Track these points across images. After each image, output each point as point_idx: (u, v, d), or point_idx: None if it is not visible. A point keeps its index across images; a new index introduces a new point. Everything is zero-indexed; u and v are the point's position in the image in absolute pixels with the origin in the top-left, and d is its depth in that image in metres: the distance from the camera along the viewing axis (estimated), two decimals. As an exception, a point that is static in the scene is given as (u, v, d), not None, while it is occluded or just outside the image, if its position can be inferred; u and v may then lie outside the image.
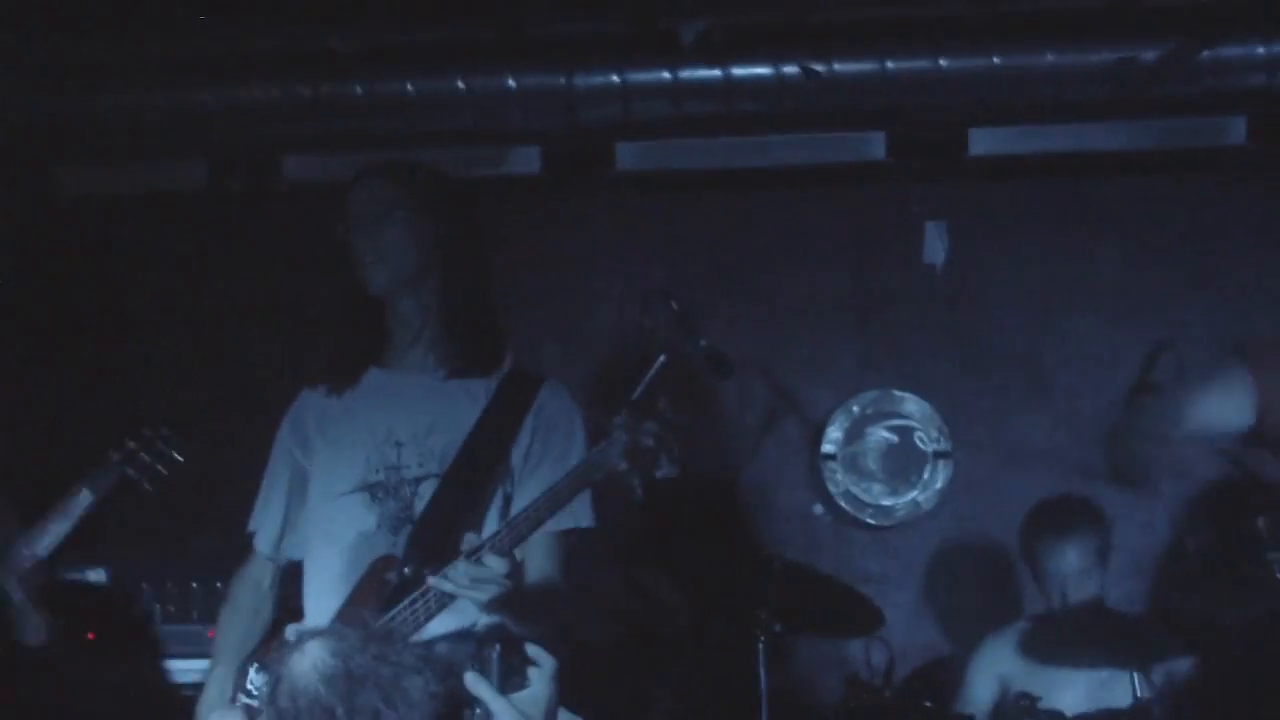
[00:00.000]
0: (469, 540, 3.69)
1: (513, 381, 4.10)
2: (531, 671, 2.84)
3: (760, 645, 5.20)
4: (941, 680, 5.98)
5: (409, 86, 5.59)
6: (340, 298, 4.09)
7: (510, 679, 2.79)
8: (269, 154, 6.09)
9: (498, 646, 2.79)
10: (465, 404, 4.04)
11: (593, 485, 3.87)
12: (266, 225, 6.38)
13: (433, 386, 4.05)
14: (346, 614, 3.87)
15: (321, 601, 3.97)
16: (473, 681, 2.75)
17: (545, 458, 4.03)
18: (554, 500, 3.77)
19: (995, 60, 5.48)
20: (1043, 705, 5.25)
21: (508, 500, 4.02)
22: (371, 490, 4.00)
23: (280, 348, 6.22)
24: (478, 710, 2.73)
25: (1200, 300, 6.31)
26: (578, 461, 3.90)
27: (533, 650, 2.88)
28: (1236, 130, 5.86)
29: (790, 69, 5.50)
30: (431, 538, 3.89)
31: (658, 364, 3.96)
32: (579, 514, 3.99)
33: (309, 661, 2.61)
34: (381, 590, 3.87)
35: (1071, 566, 5.55)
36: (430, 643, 3.71)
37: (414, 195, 4.05)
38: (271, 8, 5.46)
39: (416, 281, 4.05)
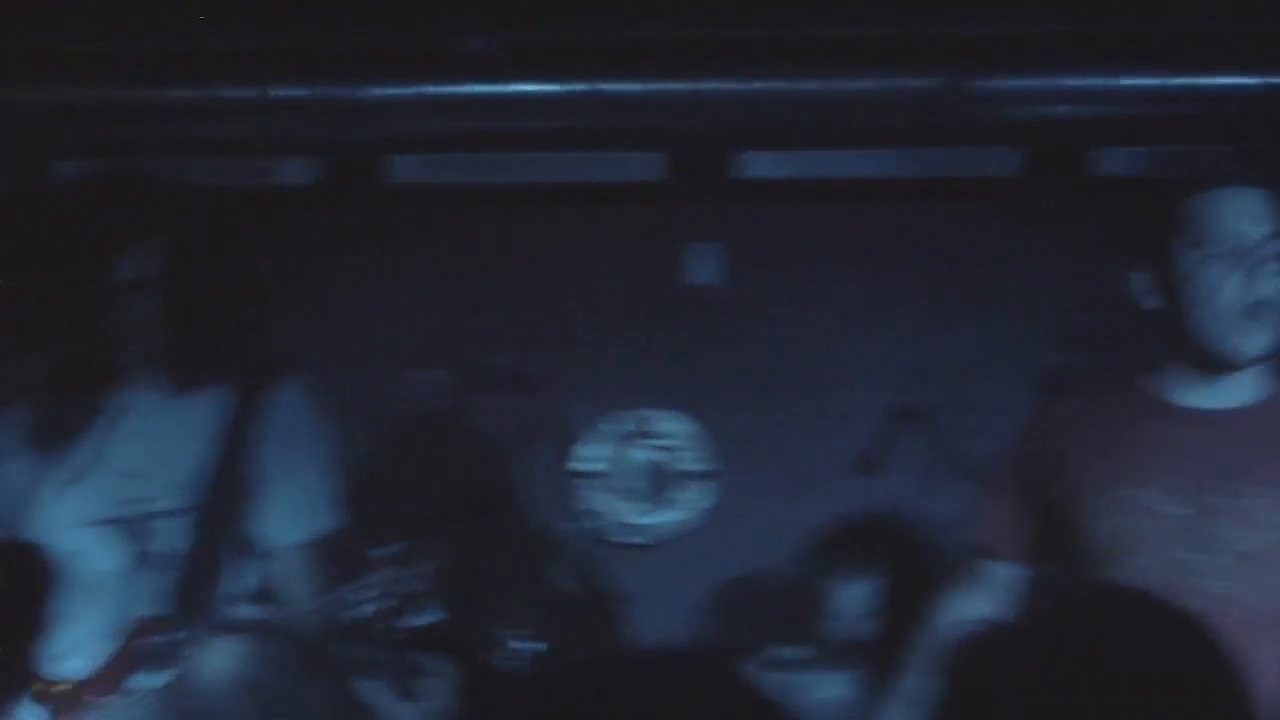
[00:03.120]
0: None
1: (249, 390, 3.83)
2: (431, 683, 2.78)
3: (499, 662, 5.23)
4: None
5: (168, 94, 5.51)
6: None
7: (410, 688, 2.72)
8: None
9: (399, 654, 2.72)
10: (199, 422, 3.78)
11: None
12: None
13: (162, 404, 3.78)
14: (100, 682, 3.66)
15: (72, 659, 3.73)
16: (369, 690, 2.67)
17: (284, 468, 3.79)
18: None
19: (770, 84, 5.54)
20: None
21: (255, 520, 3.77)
22: (108, 527, 3.74)
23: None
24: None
25: (968, 329, 6.41)
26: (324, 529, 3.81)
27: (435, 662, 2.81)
28: (1009, 161, 6.00)
29: (571, 86, 5.52)
30: (190, 586, 3.65)
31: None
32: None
33: (220, 664, 2.52)
34: (145, 657, 3.59)
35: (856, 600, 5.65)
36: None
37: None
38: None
39: (137, 292, 3.76)
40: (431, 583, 3.47)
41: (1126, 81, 5.41)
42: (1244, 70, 5.38)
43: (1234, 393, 3.57)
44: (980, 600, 3.69)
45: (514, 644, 5.28)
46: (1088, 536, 3.56)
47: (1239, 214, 3.49)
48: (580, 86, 5.47)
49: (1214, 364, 3.54)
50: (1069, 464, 3.62)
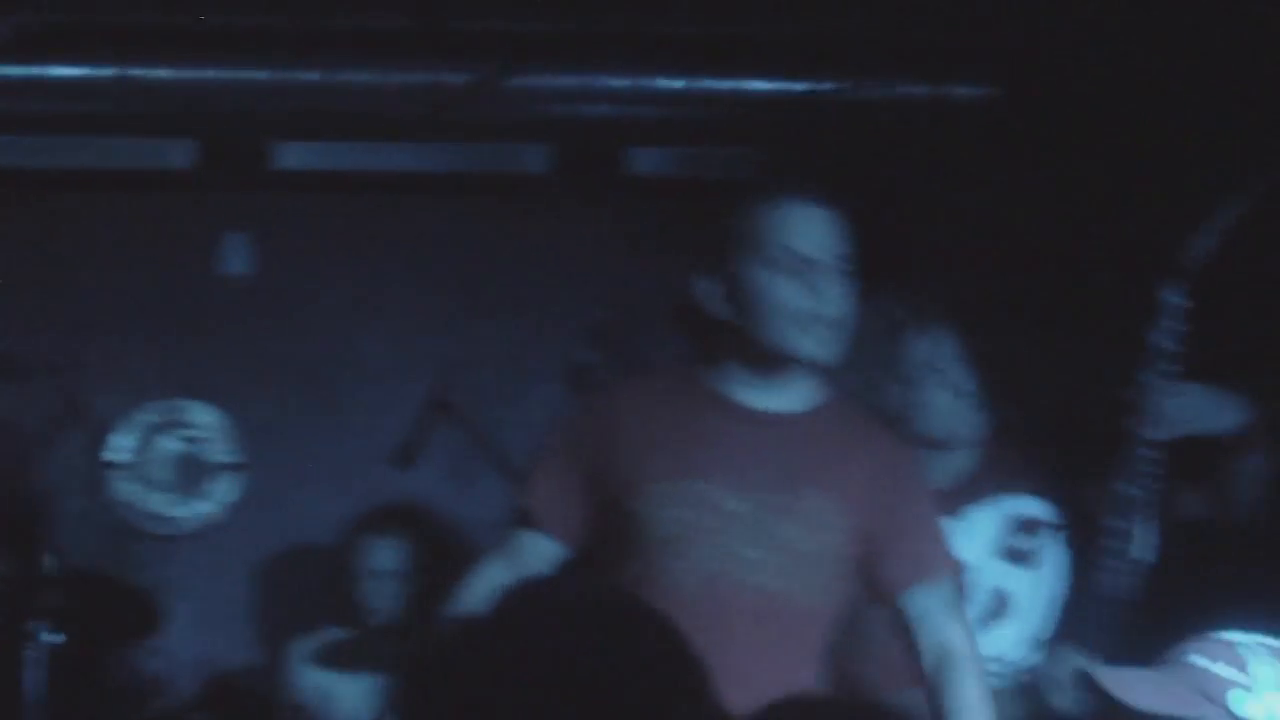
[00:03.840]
0: None
1: None
2: None
3: (27, 656, 5.11)
4: (224, 692, 5.99)
5: None
6: None
7: None
8: None
9: None
10: None
11: None
12: None
13: None
14: None
15: None
16: None
17: None
18: None
19: (305, 74, 5.50)
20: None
21: None
22: None
23: None
24: None
25: (501, 323, 6.46)
26: None
27: None
28: (538, 158, 6.06)
29: (99, 71, 5.41)
30: None
31: None
32: None
33: None
34: None
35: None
36: None
37: None
38: None
39: None
40: None
41: (658, 82, 5.52)
42: (774, 75, 5.53)
43: (793, 397, 3.64)
44: (514, 571, 3.63)
45: (45, 636, 5.17)
46: (647, 525, 3.58)
47: (807, 231, 3.57)
48: (108, 71, 5.36)
49: (774, 366, 3.60)
50: (629, 449, 3.63)
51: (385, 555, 5.80)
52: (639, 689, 1.86)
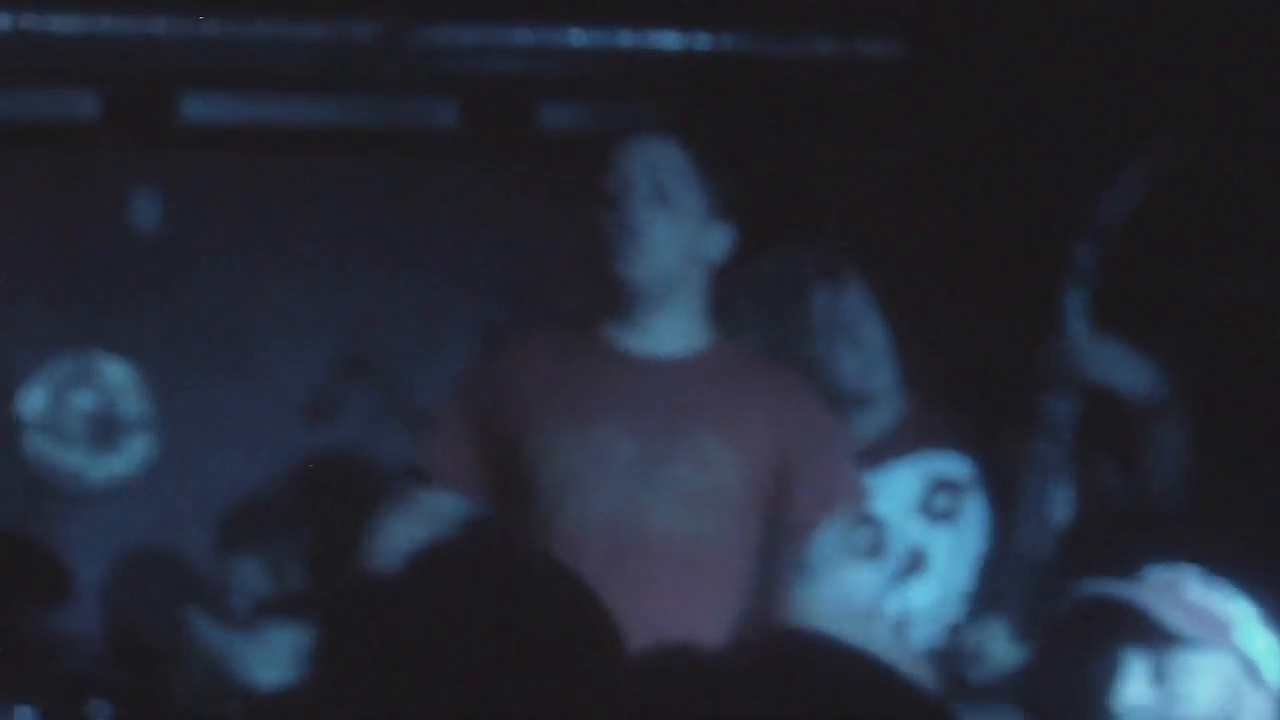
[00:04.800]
0: None
1: None
2: None
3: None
4: (133, 652, 5.97)
5: None
6: None
7: None
8: None
9: None
10: None
11: None
12: None
13: None
14: None
15: None
16: None
17: None
18: None
19: (211, 26, 5.46)
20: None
21: None
22: None
23: None
24: None
25: (412, 279, 6.39)
26: None
27: None
28: (447, 112, 6.01)
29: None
30: None
31: None
32: None
33: None
34: None
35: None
36: None
37: None
38: None
39: None
40: None
41: (565, 36, 5.51)
42: (684, 27, 5.51)
43: (675, 339, 3.72)
44: (413, 526, 3.70)
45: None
46: (539, 474, 3.64)
47: (628, 162, 3.69)
48: (3, 21, 5.30)
49: (633, 304, 3.70)
50: (520, 400, 3.70)
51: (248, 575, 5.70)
52: (548, 641, 1.87)
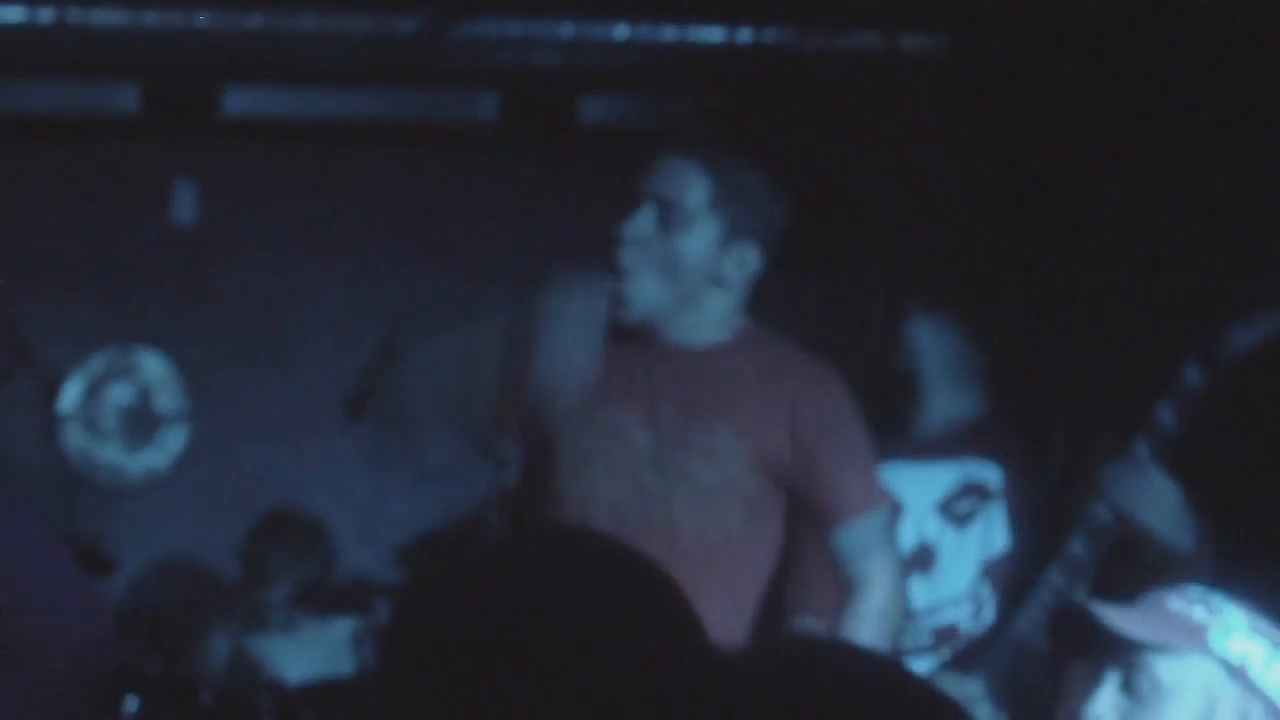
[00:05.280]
0: None
1: None
2: None
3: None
4: (169, 642, 5.97)
5: None
6: None
7: None
8: None
9: None
10: None
11: None
12: None
13: None
14: None
15: None
16: None
17: None
18: None
19: (253, 19, 5.47)
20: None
21: None
22: None
23: None
24: None
25: (440, 273, 6.38)
26: None
27: None
28: (487, 106, 6.01)
29: (37, 15, 5.35)
30: None
31: None
32: None
33: None
34: None
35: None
36: None
37: None
38: None
39: None
40: None
41: (610, 30, 5.51)
42: (726, 23, 5.51)
43: (704, 332, 3.71)
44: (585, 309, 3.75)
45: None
46: (556, 452, 3.67)
47: (642, 171, 3.71)
48: (47, 14, 5.31)
49: None
50: (548, 365, 3.70)
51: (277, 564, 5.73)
52: (632, 631, 1.80)
